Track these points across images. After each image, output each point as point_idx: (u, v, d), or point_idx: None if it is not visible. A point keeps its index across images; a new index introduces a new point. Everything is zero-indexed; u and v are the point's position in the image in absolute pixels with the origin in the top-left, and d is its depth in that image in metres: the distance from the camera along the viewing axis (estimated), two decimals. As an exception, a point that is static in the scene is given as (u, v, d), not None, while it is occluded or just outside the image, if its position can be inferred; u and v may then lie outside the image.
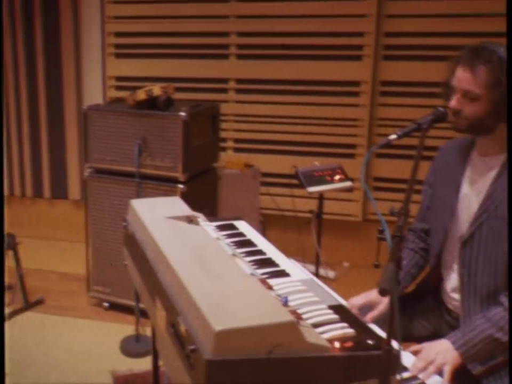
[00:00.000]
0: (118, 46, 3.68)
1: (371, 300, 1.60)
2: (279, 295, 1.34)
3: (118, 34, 3.66)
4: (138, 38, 3.62)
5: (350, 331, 1.25)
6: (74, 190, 3.88)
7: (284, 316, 1.08)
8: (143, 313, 2.59)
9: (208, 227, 1.74)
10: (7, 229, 3.77)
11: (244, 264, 1.52)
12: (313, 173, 2.62)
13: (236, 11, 3.46)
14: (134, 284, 2.49)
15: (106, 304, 3.00)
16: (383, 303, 1.57)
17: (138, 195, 2.59)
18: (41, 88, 3.75)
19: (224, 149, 3.54)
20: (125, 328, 2.78)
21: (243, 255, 1.66)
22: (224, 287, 1.23)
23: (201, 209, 1.87)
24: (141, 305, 2.60)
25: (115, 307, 2.98)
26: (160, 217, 1.68)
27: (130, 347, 2.63)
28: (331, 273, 3.41)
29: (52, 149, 3.85)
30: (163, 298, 1.34)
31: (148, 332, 2.62)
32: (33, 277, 3.28)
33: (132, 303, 2.74)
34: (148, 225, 1.61)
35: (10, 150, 3.88)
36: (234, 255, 1.57)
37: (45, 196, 3.92)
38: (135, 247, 1.69)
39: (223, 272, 1.34)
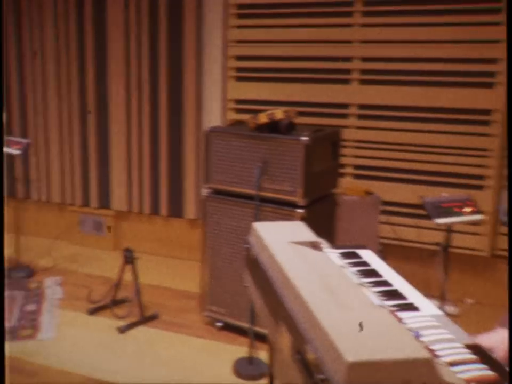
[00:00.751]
0: (239, 69, 3.86)
1: (490, 345, 1.53)
2: (410, 329, 1.32)
3: (240, 58, 3.84)
4: (259, 62, 3.77)
5: (489, 373, 1.21)
6: (190, 209, 4.09)
7: (420, 352, 1.07)
8: (257, 336, 2.66)
9: (332, 254, 1.77)
10: (126, 244, 4.06)
11: (371, 295, 1.52)
12: (441, 204, 2.57)
13: (360, 36, 3.50)
14: (251, 306, 2.60)
15: (219, 324, 3.10)
16: (501, 350, 1.50)
17: (257, 218, 2.67)
18: (163, 107, 4.01)
19: (343, 175, 3.56)
20: (238, 349, 2.87)
21: (369, 285, 1.66)
22: (354, 317, 1.24)
23: (319, 235, 1.90)
24: (255, 327, 2.67)
25: (228, 327, 3.08)
26: (284, 241, 1.74)
27: (244, 369, 2.70)
28: (453, 309, 3.28)
29: (170, 168, 4.09)
30: (289, 324, 1.38)
31: (262, 355, 2.68)
32: (148, 292, 3.49)
33: (245, 324, 2.82)
34: (272, 249, 1.67)
35: (131, 168, 4.17)
36: (360, 284, 1.57)
37: (161, 213, 4.17)
38: (258, 270, 1.76)
39: (352, 302, 1.36)
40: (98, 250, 4.34)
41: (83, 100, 4.22)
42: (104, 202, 4.33)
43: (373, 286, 1.67)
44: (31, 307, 3.38)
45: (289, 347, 1.37)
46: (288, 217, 2.70)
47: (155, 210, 4.19)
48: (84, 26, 4.08)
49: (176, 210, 4.14)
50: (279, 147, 2.72)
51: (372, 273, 1.78)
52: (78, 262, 4.13)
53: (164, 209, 4.16)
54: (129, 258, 3.22)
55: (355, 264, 1.82)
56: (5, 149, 3.76)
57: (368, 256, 1.94)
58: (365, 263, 1.86)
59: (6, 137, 3.91)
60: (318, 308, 1.27)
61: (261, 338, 2.73)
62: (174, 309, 3.40)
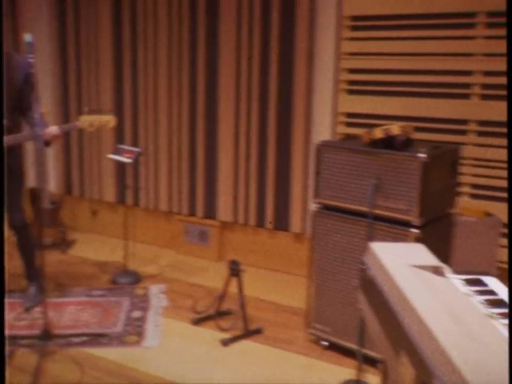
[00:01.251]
0: (351, 82, 3.83)
1: None
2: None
3: (352, 71, 3.82)
4: (372, 75, 3.73)
5: None
6: (296, 223, 4.11)
7: None
8: (365, 358, 2.61)
9: (455, 280, 1.70)
10: (230, 255, 4.16)
11: (501, 327, 1.45)
12: None
13: (482, 49, 3.35)
14: (360, 327, 2.56)
15: (324, 343, 3.08)
16: None
17: (370, 236, 2.64)
18: (272, 119, 4.07)
19: (460, 194, 3.42)
20: (344, 371, 2.84)
21: (498, 316, 1.57)
22: (486, 350, 1.18)
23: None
24: (364, 350, 2.63)
25: (334, 347, 3.05)
26: (404, 264, 1.70)
27: (349, 393, 2.66)
28: None
29: (277, 181, 4.14)
30: (412, 356, 1.34)
31: (369, 378, 2.63)
32: (253, 305, 3.54)
33: (352, 345, 2.78)
34: (392, 273, 1.63)
35: (238, 179, 4.27)
36: (489, 315, 1.50)
37: (267, 226, 4.22)
38: (375, 293, 1.73)
39: (482, 334, 1.30)
40: (203, 260, 4.47)
41: (192, 111, 4.39)
42: (210, 212, 4.46)
43: (502, 318, 1.59)
44: (137, 314, 3.54)
45: (411, 379, 1.33)
46: (402, 237, 2.63)
47: (260, 223, 4.26)
48: (197, 37, 4.24)
49: (281, 223, 4.18)
50: (394, 164, 2.67)
51: (500, 303, 1.69)
52: (183, 271, 4.28)
53: (269, 222, 4.21)
54: (234, 270, 3.29)
55: (481, 293, 1.74)
56: (118, 157, 4.00)
57: (494, 283, 1.84)
58: (491, 292, 1.77)
59: (119, 146, 4.16)
60: (445, 338, 1.22)
61: (369, 361, 2.68)
62: (278, 324, 3.43)
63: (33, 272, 3.61)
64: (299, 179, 4.05)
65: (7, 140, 3.18)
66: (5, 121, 3.19)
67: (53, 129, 3.22)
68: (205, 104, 4.33)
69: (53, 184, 5.11)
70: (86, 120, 3.26)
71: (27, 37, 3.04)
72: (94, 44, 4.68)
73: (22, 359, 2.98)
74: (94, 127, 3.29)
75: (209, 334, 3.28)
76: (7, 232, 3.66)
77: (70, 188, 5.11)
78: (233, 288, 3.33)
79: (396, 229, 2.69)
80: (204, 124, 4.37)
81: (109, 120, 3.30)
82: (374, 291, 1.74)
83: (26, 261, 3.63)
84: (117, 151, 4.08)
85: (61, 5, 4.74)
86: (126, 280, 4.02)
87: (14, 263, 3.88)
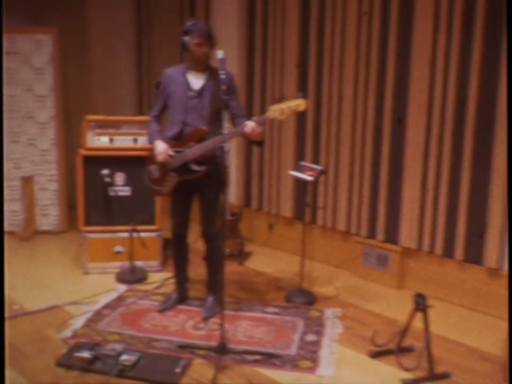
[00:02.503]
0: None
1: None
2: None
3: None
4: None
5: None
6: (491, 257, 3.56)
7: None
8: None
9: None
10: (411, 284, 3.73)
11: None
12: None
13: None
14: None
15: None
16: None
17: None
18: (468, 142, 3.60)
19: None
20: None
21: None
22: None
23: None
24: None
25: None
26: None
27: None
28: None
29: (469, 208, 3.65)
30: None
31: None
32: (438, 345, 3.09)
33: None
34: None
35: (424, 204, 3.85)
36: None
37: (456, 257, 3.72)
38: None
39: None
40: (381, 286, 4.10)
41: (377, 130, 4.06)
42: (391, 236, 4.08)
43: None
44: (311, 337, 3.30)
45: None
46: None
47: (448, 253, 3.77)
48: (386, 50, 3.92)
49: (474, 255, 3.65)
50: None
51: None
52: (359, 296, 3.95)
53: (459, 253, 3.71)
54: (420, 305, 2.89)
55: None
56: (299, 174, 3.81)
57: None
58: None
59: (300, 163, 3.97)
60: None
61: None
62: (467, 370, 2.94)
63: (215, 283, 3.56)
64: (498, 209, 3.50)
65: (209, 143, 3.18)
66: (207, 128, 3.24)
67: (251, 125, 3.13)
68: (390, 123, 3.98)
69: (233, 196, 5.12)
70: (276, 109, 3.09)
71: (219, 53, 3.03)
72: (280, 49, 4.58)
73: (198, 370, 2.91)
74: (285, 115, 3.09)
75: (389, 371, 2.91)
76: (191, 238, 3.68)
77: (249, 201, 5.08)
78: (416, 322, 2.92)
79: None
80: (389, 143, 4.01)
81: (299, 103, 3.07)
82: None
83: (211, 271, 3.61)
84: (298, 168, 3.90)
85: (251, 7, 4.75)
86: (300, 299, 3.80)
87: (199, 271, 3.90)
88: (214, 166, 3.31)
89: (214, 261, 3.54)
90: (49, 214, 5.26)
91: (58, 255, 4.69)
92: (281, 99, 3.16)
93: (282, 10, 4.51)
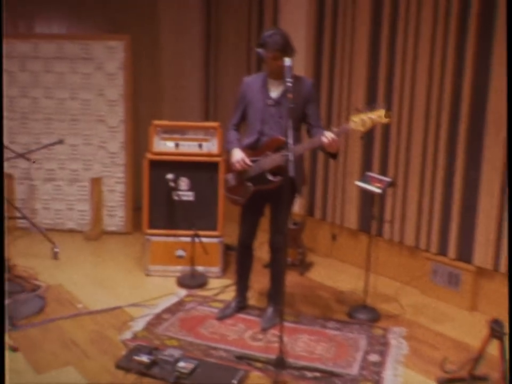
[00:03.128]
0: None
1: None
2: None
3: None
4: None
5: None
6: None
7: None
8: None
9: None
10: (485, 306, 3.44)
11: None
12: None
13: None
14: None
15: None
16: None
17: None
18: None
19: None
20: None
21: None
22: None
23: None
24: None
25: None
26: None
27: None
28: None
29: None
30: None
31: None
32: (515, 376, 2.80)
33: None
34: None
35: (502, 222, 3.55)
36: None
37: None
38: None
39: None
40: (451, 306, 3.82)
41: (451, 141, 3.80)
42: (464, 254, 3.80)
43: None
44: (374, 357, 3.09)
45: None
46: None
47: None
48: (463, 60, 3.66)
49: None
50: None
51: None
52: (427, 315, 3.70)
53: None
54: (497, 332, 2.63)
55: None
56: (365, 185, 3.61)
57: None
58: None
59: (368, 174, 3.77)
60: None
61: None
62: (548, 407, 2.65)
63: (276, 294, 3.43)
64: None
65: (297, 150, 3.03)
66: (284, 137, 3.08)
67: (329, 135, 2.97)
68: (466, 135, 3.71)
69: (296, 205, 4.94)
70: (357, 120, 2.91)
71: (286, 61, 2.90)
72: (349, 59, 4.41)
73: (255, 383, 2.77)
74: (366, 126, 2.90)
75: (460, 400, 2.68)
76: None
77: (312, 210, 4.92)
78: (491, 349, 2.67)
79: None
80: (464, 156, 3.74)
81: (381, 115, 2.88)
82: None
83: (274, 282, 3.49)
84: (365, 179, 3.70)
85: (319, 17, 4.61)
86: (363, 316, 3.59)
87: (259, 279, 3.79)
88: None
89: (277, 271, 3.42)
90: (116, 215, 5.31)
91: (122, 256, 4.71)
92: (362, 109, 2.96)
93: (352, 19, 4.35)
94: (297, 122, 3.19)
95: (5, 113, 5.07)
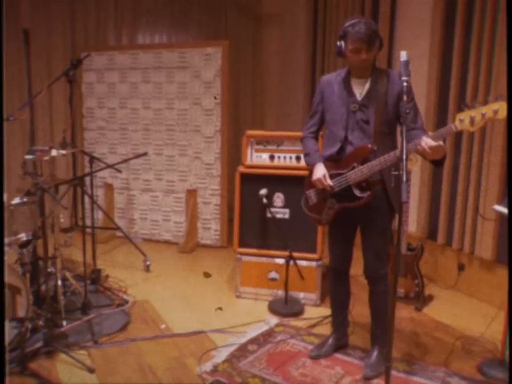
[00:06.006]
0: None
1: None
2: None
3: None
4: None
5: None
6: None
7: None
8: None
9: None
10: None
11: None
12: None
13: None
14: None
15: None
16: None
17: None
18: None
19: None
20: None
21: None
22: None
23: None
24: None
25: None
26: None
27: None
28: None
29: None
30: None
31: None
32: None
33: None
34: None
35: None
36: None
37: None
38: None
39: None
40: None
41: None
42: None
43: None
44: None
45: None
46: None
47: None
48: None
49: None
50: None
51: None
52: None
53: None
54: None
55: None
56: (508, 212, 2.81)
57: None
58: None
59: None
60: None
61: None
62: None
63: (380, 334, 2.75)
64: None
65: (376, 165, 2.45)
66: (372, 145, 2.50)
67: (427, 141, 2.30)
68: None
69: (413, 225, 4.17)
70: (465, 118, 2.21)
71: (402, 55, 2.21)
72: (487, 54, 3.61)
73: None
74: (477, 125, 2.20)
75: None
76: (355, 269, 2.91)
77: (434, 233, 4.03)
78: None
79: None
80: None
81: (497, 109, 2.15)
82: None
83: (376, 319, 2.79)
84: (507, 201, 2.82)
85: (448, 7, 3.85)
86: (499, 374, 2.68)
87: (365, 311, 3.10)
88: (383, 191, 2.56)
89: (380, 306, 2.74)
90: (211, 228, 4.89)
91: (213, 272, 4.26)
92: (471, 104, 2.24)
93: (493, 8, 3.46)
94: (389, 126, 2.55)
95: (105, 124, 5.02)
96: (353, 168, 2.55)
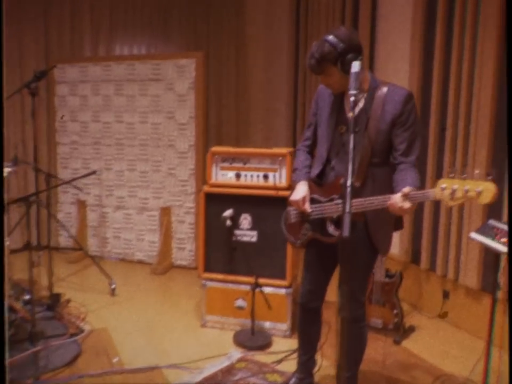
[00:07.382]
0: None
1: None
2: None
3: None
4: None
5: None
6: None
7: None
8: None
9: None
10: None
11: None
12: None
13: None
14: None
15: None
16: None
17: None
18: None
19: None
20: None
21: None
22: None
23: None
24: None
25: None
26: None
27: None
28: None
29: None
30: None
31: None
32: None
33: None
34: None
35: None
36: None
37: None
38: None
39: None
40: None
41: None
42: None
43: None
44: None
45: None
46: None
47: None
48: None
49: None
50: None
51: None
52: None
53: None
54: None
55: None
56: (484, 240, 2.40)
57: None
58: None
59: (489, 222, 2.61)
60: None
61: None
62: None
63: (347, 376, 2.36)
64: None
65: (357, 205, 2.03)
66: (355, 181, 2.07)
67: (394, 198, 1.96)
68: None
69: (396, 248, 3.78)
70: (447, 186, 1.86)
71: (354, 66, 1.82)
72: (468, 70, 3.27)
73: None
74: (456, 201, 1.87)
75: None
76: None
77: (417, 256, 3.66)
78: None
79: None
80: None
81: (483, 190, 1.82)
82: None
83: (347, 362, 2.32)
84: (486, 230, 2.32)
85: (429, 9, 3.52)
86: None
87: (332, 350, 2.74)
88: (364, 229, 2.18)
89: (351, 348, 2.27)
90: (185, 248, 4.56)
91: (184, 297, 3.93)
92: (457, 174, 1.87)
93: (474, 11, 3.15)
94: (381, 156, 2.16)
95: (78, 139, 4.72)
96: (332, 200, 2.19)
